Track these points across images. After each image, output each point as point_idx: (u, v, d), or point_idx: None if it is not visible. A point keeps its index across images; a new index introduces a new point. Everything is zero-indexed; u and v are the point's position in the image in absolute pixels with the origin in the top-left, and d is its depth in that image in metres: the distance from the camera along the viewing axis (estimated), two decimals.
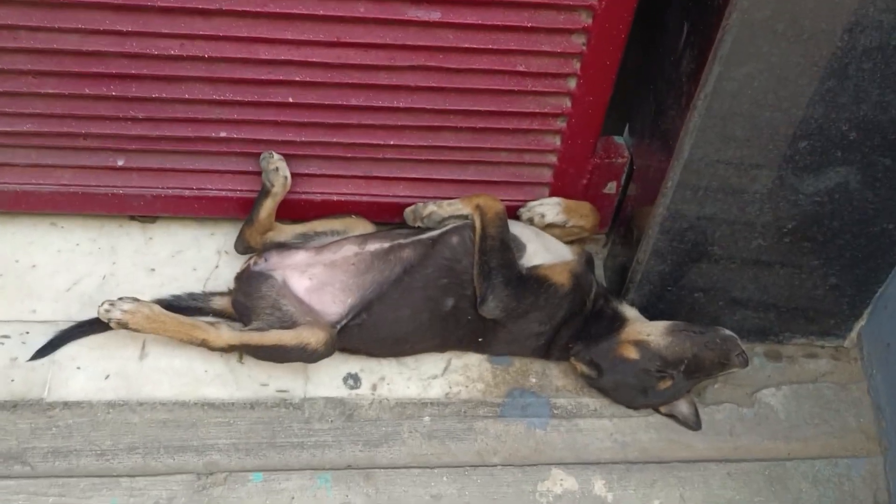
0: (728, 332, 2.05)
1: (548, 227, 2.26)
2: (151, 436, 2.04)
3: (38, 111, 2.09)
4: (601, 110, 2.13)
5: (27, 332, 2.15)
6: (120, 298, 2.07)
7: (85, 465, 1.99)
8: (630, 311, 2.19)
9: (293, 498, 2.00)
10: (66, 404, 2.06)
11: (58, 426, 2.03)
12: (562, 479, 2.09)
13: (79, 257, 2.32)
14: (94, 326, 2.14)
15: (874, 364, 2.28)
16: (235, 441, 2.06)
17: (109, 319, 2.05)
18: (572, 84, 2.07)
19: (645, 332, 2.10)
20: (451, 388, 2.19)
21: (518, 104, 2.12)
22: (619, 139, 2.29)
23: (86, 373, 2.11)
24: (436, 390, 2.18)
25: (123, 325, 2.05)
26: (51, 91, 2.04)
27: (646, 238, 2.10)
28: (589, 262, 2.25)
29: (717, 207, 2.00)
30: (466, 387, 2.19)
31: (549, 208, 2.26)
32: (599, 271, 2.40)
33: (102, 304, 2.06)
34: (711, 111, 1.81)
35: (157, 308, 2.09)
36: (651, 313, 2.21)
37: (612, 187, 2.31)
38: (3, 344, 2.13)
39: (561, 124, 2.16)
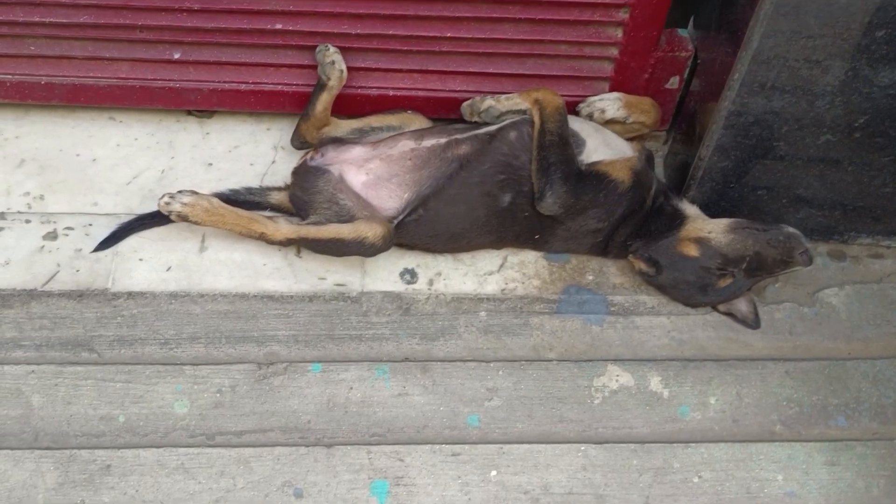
0: (792, 229, 2.01)
1: (608, 123, 2.21)
2: (213, 326, 2.08)
3: (94, 2, 2.08)
4: (665, 1, 2.05)
5: (90, 225, 2.19)
6: (179, 191, 2.09)
7: (150, 353, 2.05)
8: (691, 209, 2.16)
9: (351, 388, 2.03)
10: (130, 294, 2.11)
11: (122, 315, 2.08)
12: (618, 375, 2.09)
13: (138, 151, 2.33)
14: (154, 219, 2.17)
15: None
16: (295, 333, 2.09)
17: (170, 212, 2.07)
18: None
19: (706, 229, 2.07)
20: (507, 284, 2.19)
21: None
22: (683, 32, 2.21)
23: (148, 264, 2.15)
24: (492, 286, 2.18)
25: (183, 218, 2.07)
26: None
27: (709, 134, 2.05)
28: (649, 158, 2.21)
29: (786, 101, 1.93)
30: (522, 283, 2.19)
31: (610, 103, 2.21)
32: (660, 169, 2.36)
33: (162, 196, 2.08)
34: (783, 0, 1.73)
35: (216, 201, 2.10)
36: (712, 211, 2.17)
37: (674, 82, 2.24)
38: (67, 235, 2.17)
39: (623, 16, 2.09)
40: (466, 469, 1.96)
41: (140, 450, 1.94)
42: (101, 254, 2.15)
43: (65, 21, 2.12)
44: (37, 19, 2.11)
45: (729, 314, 2.16)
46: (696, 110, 2.19)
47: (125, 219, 2.19)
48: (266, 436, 1.97)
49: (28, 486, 1.87)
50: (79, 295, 2.09)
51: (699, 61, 2.18)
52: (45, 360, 2.02)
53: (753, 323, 2.13)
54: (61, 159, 2.30)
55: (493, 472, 1.96)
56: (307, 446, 1.97)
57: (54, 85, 2.25)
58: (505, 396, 2.05)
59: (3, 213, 2.19)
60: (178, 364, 2.04)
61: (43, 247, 2.15)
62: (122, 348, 2.05)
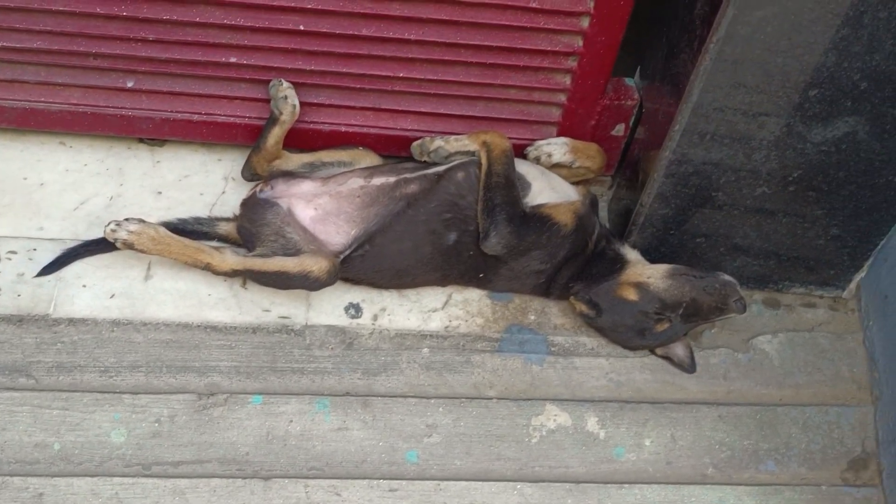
0: (727, 277, 2.07)
1: (554, 167, 2.26)
2: (154, 355, 2.08)
3: (48, 28, 2.08)
4: (613, 51, 2.11)
5: (34, 249, 2.18)
6: (126, 219, 2.09)
7: (89, 381, 2.03)
8: (632, 254, 2.21)
9: (291, 421, 2.04)
10: (72, 321, 2.09)
11: (63, 342, 2.07)
12: (556, 415, 2.12)
13: (87, 177, 2.33)
14: (100, 246, 2.17)
15: (871, 315, 2.29)
16: (237, 364, 2.09)
17: (115, 239, 2.07)
18: (585, 23, 2.05)
19: (645, 274, 2.12)
20: (450, 321, 2.22)
21: (529, 41, 2.11)
22: (629, 81, 2.28)
23: (91, 291, 2.14)
24: (435, 323, 2.21)
25: (129, 246, 2.07)
26: (62, 8, 2.04)
27: (651, 181, 2.10)
28: (593, 203, 2.26)
29: (724, 153, 2.00)
30: (466, 321, 2.22)
31: (557, 148, 2.26)
32: (604, 213, 2.41)
33: (109, 224, 2.08)
34: (723, 55, 1.79)
35: (163, 230, 2.11)
36: (653, 257, 2.22)
37: (620, 129, 2.30)
38: (10, 259, 2.16)
39: (572, 63, 2.15)
40: None
41: (74, 478, 1.92)
42: (43, 279, 2.14)
43: (17, 45, 2.11)
44: None
45: (666, 358, 2.21)
46: (640, 158, 2.25)
47: (70, 244, 2.18)
48: (203, 467, 1.97)
49: None
50: (19, 320, 2.08)
51: (644, 110, 2.24)
52: None
53: (689, 367, 2.18)
54: (8, 182, 2.28)
55: None
56: (244, 478, 1.97)
57: (4, 108, 2.24)
58: (444, 433, 2.07)
59: None
60: (117, 392, 2.03)
61: None
62: (60, 375, 2.03)
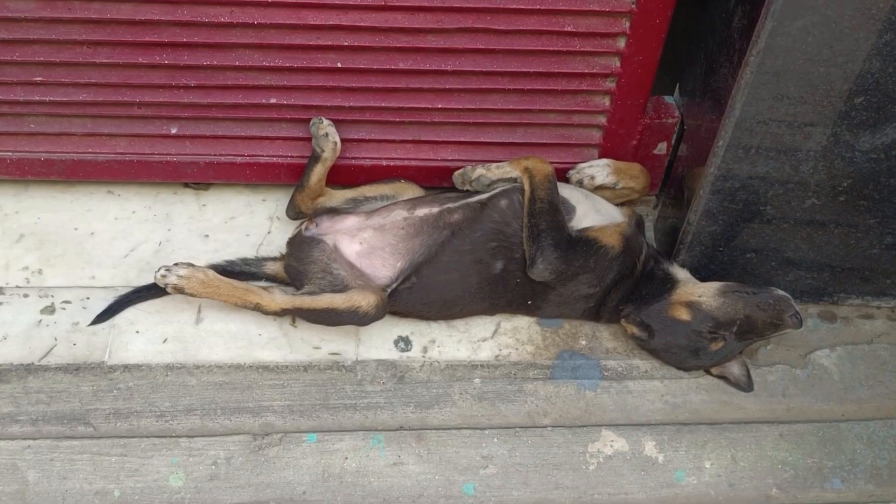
0: (781, 292, 2.03)
1: (598, 189, 2.25)
2: (208, 398, 2.09)
3: (93, 80, 2.13)
4: (651, 70, 2.10)
5: (87, 298, 2.21)
6: (175, 264, 2.11)
7: (145, 426, 2.05)
8: (681, 273, 2.18)
9: (346, 458, 2.03)
10: (127, 367, 2.12)
11: (119, 388, 2.09)
12: (612, 441, 2.09)
13: (135, 224, 2.37)
14: (151, 291, 2.20)
15: None
16: (290, 403, 2.10)
17: (166, 285, 2.10)
18: (622, 43, 2.05)
19: (696, 293, 2.09)
20: (500, 350, 2.20)
21: (566, 65, 2.11)
22: (669, 99, 2.27)
23: (144, 336, 2.16)
24: (486, 353, 2.20)
25: (179, 290, 2.10)
26: (105, 60, 2.09)
27: (696, 198, 2.08)
28: (639, 223, 2.24)
29: (770, 166, 1.97)
30: (516, 349, 2.20)
31: (599, 170, 2.25)
32: (650, 233, 2.38)
33: (159, 269, 2.10)
34: (764, 68, 1.78)
35: (212, 273, 2.13)
36: (702, 275, 2.19)
37: (662, 148, 2.29)
38: (64, 309, 2.19)
39: (610, 84, 2.14)
40: None
41: None
42: (97, 327, 2.17)
43: (64, 99, 2.17)
44: (37, 98, 2.16)
45: (722, 377, 2.17)
46: (684, 175, 2.23)
47: (122, 291, 2.21)
48: None
49: None
50: (75, 369, 2.11)
51: (686, 127, 2.23)
52: (41, 434, 2.02)
53: (746, 386, 2.14)
54: (60, 233, 2.33)
55: None
56: None
57: (53, 161, 2.29)
58: (500, 464, 2.05)
59: (1, 287, 2.22)
60: (173, 436, 2.04)
61: (40, 321, 2.17)
62: (117, 421, 2.05)
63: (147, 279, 2.19)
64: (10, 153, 2.28)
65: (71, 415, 2.05)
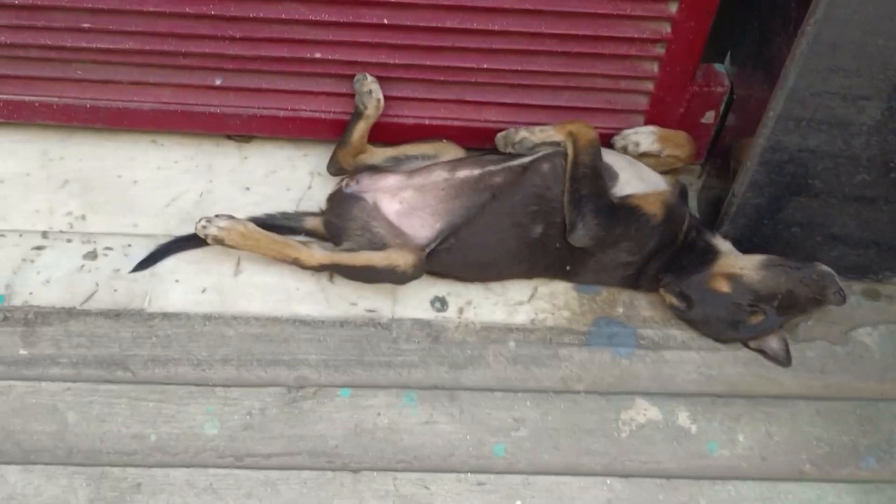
0: (825, 267, 2.00)
1: (642, 157, 2.22)
2: (245, 349, 2.11)
3: (140, 29, 2.14)
4: (702, 36, 2.06)
5: (129, 245, 2.24)
6: (216, 215, 2.13)
7: (183, 374, 2.08)
8: (723, 244, 2.15)
9: (379, 414, 2.05)
10: (166, 315, 2.14)
11: (157, 336, 2.12)
12: (645, 409, 2.09)
13: (177, 174, 2.38)
14: (191, 242, 2.21)
15: None
16: (325, 357, 2.11)
17: (206, 235, 2.11)
18: (673, 8, 2.01)
19: (738, 265, 2.06)
20: (536, 314, 2.19)
21: (616, 28, 2.07)
22: (719, 67, 2.22)
23: (184, 286, 2.19)
24: (522, 316, 2.19)
25: (219, 241, 2.11)
26: (152, 9, 2.09)
27: (743, 170, 2.05)
28: (683, 193, 2.21)
29: (821, 140, 1.93)
30: (552, 314, 2.20)
31: (644, 137, 2.22)
32: (693, 203, 2.35)
33: (199, 220, 2.12)
34: (820, 38, 1.74)
35: (252, 226, 2.14)
36: (745, 247, 2.16)
37: (710, 117, 2.25)
38: (106, 255, 2.22)
39: (660, 50, 2.11)
40: (491, 499, 1.96)
41: (170, 469, 1.96)
42: (138, 274, 2.19)
43: (111, 47, 2.17)
44: (84, 45, 2.17)
45: (760, 351, 2.14)
46: (731, 146, 2.19)
47: (163, 240, 2.23)
48: (294, 459, 1.99)
49: (61, 502, 1.91)
50: (116, 314, 2.14)
51: (735, 97, 2.19)
52: (81, 377, 2.06)
53: (784, 360, 2.12)
54: (103, 180, 2.35)
55: (518, 503, 1.96)
56: (334, 471, 1.98)
57: (99, 108, 2.31)
58: (532, 427, 2.05)
59: (45, 231, 2.25)
60: (209, 385, 2.07)
61: (83, 266, 2.20)
62: (155, 368, 2.08)
63: (188, 229, 2.21)
64: (56, 98, 2.30)
65: (110, 359, 2.08)
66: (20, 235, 2.24)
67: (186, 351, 2.10)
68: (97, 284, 2.17)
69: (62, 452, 1.97)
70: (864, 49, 1.74)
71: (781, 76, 1.84)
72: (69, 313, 2.13)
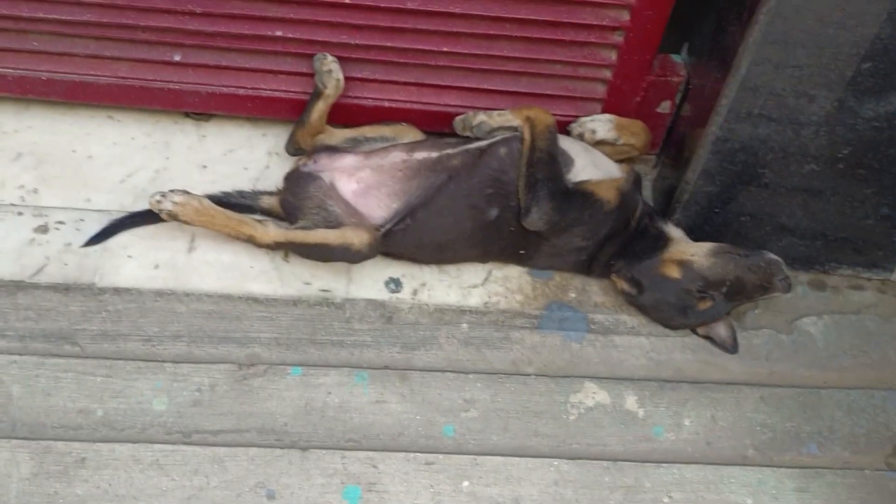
0: (773, 255, 2.03)
1: (598, 144, 2.24)
2: (196, 325, 2.10)
3: (98, 1, 2.11)
4: (660, 26, 2.09)
5: (82, 220, 2.22)
6: (171, 190, 2.11)
7: (132, 349, 2.06)
8: (675, 232, 2.18)
9: (330, 393, 2.05)
10: (117, 290, 2.13)
11: (107, 311, 2.10)
12: (594, 392, 2.11)
13: (134, 151, 2.36)
14: (145, 217, 2.20)
15: None
16: (277, 335, 2.11)
17: (160, 210, 2.10)
18: None
19: (689, 252, 2.09)
20: (490, 297, 2.21)
21: (575, 15, 2.09)
22: (676, 57, 2.25)
23: (136, 261, 2.17)
24: (475, 299, 2.20)
25: (173, 217, 2.10)
26: None
27: (696, 158, 2.08)
28: (637, 181, 2.23)
29: (771, 129, 1.96)
30: (505, 297, 2.21)
31: (601, 124, 2.24)
32: (648, 193, 2.38)
33: (154, 195, 2.10)
34: (773, 27, 1.77)
35: (207, 202, 2.13)
36: (696, 235, 2.19)
37: (665, 106, 2.27)
38: (58, 230, 2.20)
39: (618, 38, 2.13)
40: (439, 478, 1.97)
41: (116, 444, 1.95)
42: (90, 249, 2.17)
43: (68, 18, 2.15)
44: (41, 15, 2.15)
45: (708, 337, 2.18)
46: (686, 135, 2.22)
47: (117, 216, 2.21)
48: (242, 436, 1.99)
49: (2, 475, 1.88)
50: (65, 288, 2.11)
51: (691, 87, 2.21)
52: (27, 350, 2.03)
53: (731, 347, 2.15)
54: (57, 155, 2.33)
55: (466, 483, 1.97)
56: (282, 448, 1.98)
57: (55, 81, 2.28)
58: (482, 408, 2.06)
59: None
60: (159, 361, 2.05)
61: (33, 239, 2.18)
62: (104, 343, 2.06)
63: (142, 206, 2.19)
64: (11, 70, 2.27)
65: (58, 333, 2.06)
66: None
67: (137, 326, 2.09)
68: (47, 258, 2.15)
69: (6, 426, 1.94)
70: (816, 39, 1.77)
71: (734, 65, 1.87)
72: (17, 286, 2.11)
